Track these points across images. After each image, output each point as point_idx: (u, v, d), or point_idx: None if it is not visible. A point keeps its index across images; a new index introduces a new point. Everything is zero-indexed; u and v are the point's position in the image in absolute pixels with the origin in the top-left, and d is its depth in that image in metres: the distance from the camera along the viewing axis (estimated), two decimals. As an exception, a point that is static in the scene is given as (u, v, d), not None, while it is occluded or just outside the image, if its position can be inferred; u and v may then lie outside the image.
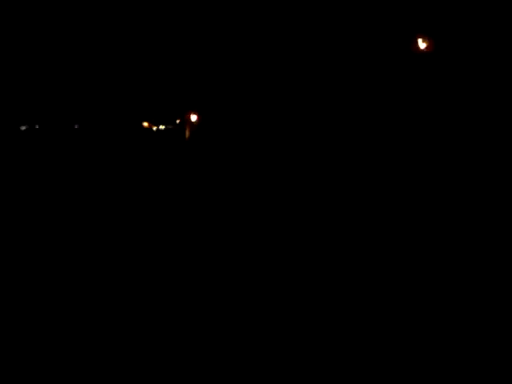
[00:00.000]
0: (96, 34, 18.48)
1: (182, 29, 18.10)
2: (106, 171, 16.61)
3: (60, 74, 19.02)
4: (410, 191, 11.45)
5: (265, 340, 5.10)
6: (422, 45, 14.85)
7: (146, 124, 20.20)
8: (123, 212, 11.76)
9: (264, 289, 6.56)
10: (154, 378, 4.50)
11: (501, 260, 7.12)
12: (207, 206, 11.96)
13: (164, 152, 18.73)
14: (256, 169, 15.24)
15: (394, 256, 7.57)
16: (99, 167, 17.09)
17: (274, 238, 9.17)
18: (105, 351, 4.91)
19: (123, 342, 5.10)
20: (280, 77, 17.42)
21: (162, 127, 20.09)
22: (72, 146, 19.33)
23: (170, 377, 4.52)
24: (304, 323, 5.48)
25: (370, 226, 9.28)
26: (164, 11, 17.92)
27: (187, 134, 19.29)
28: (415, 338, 5.04)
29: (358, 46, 15.87)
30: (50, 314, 5.76)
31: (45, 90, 19.13)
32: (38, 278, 7.26)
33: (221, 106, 18.38)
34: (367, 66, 15.79)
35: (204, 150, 17.92)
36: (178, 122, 19.75)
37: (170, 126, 19.97)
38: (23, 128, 19.72)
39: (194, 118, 19.21)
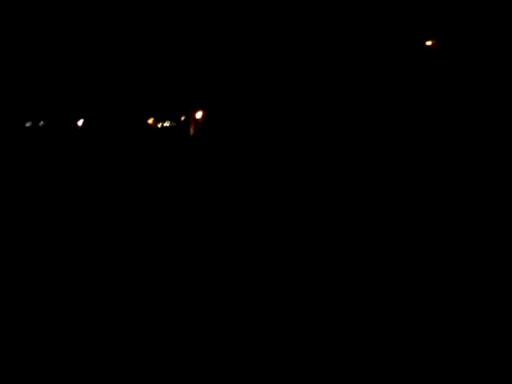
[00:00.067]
0: (101, 30, 18.48)
1: (188, 26, 18.08)
2: (110, 168, 16.62)
3: (65, 70, 19.03)
4: (412, 191, 11.43)
5: (265, 340, 5.08)
6: (424, 44, 14.85)
7: (150, 121, 20.19)
8: (127, 209, 11.76)
9: (264, 288, 6.55)
10: (154, 378, 4.48)
11: (501, 260, 7.10)
12: (211, 203, 11.95)
13: (168, 149, 18.73)
14: (260, 166, 15.22)
15: (394, 256, 7.54)
16: (103, 163, 17.10)
17: (276, 235, 9.16)
18: (104, 350, 4.89)
19: (123, 342, 5.08)
20: (285, 74, 17.40)
21: (166, 124, 20.09)
22: (77, 142, 19.35)
23: (170, 377, 4.50)
24: (304, 323, 5.46)
25: (371, 226, 9.26)
26: (170, 8, 17.91)
27: (192, 131, 19.28)
28: (415, 338, 5.02)
29: (362, 44, 15.86)
30: (50, 313, 5.75)
31: (50, 86, 19.14)
32: (39, 274, 7.25)
33: (225, 103, 18.37)
34: (370, 65, 15.78)
35: (208, 147, 17.91)
36: (182, 119, 19.74)
37: (174, 123, 19.96)
38: (28, 124, 19.74)
39: (198, 115, 19.19)
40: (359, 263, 7.26)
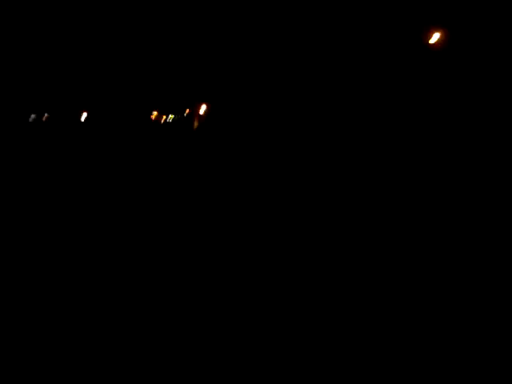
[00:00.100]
0: (106, 25, 18.44)
1: (192, 20, 18.04)
2: (113, 162, 16.63)
3: (68, 64, 19.01)
4: (413, 190, 11.40)
5: (264, 340, 5.06)
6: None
7: (154, 114, 20.17)
8: (130, 204, 11.77)
9: (265, 287, 6.52)
10: (154, 378, 4.46)
11: (501, 260, 7.06)
12: (215, 200, 11.94)
13: (172, 142, 18.72)
14: (265, 162, 15.20)
15: (394, 255, 7.52)
16: (107, 157, 17.11)
17: (278, 231, 9.15)
18: (104, 350, 4.87)
19: (123, 342, 5.06)
20: (290, 69, 17.35)
21: (170, 117, 20.06)
22: (80, 136, 19.35)
23: (170, 377, 4.49)
24: (304, 323, 5.44)
25: (371, 226, 9.24)
26: (174, 4, 17.87)
27: (195, 124, 19.24)
28: (415, 338, 5.00)
29: (364, 42, 15.81)
30: (50, 313, 5.73)
31: (53, 80, 19.13)
32: (40, 270, 7.25)
33: (230, 97, 18.33)
34: (372, 64, 15.74)
35: (212, 141, 17.89)
36: (186, 112, 19.71)
37: (178, 117, 19.93)
38: (32, 117, 19.73)
39: (203, 108, 19.15)
40: (359, 263, 7.23)
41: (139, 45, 18.74)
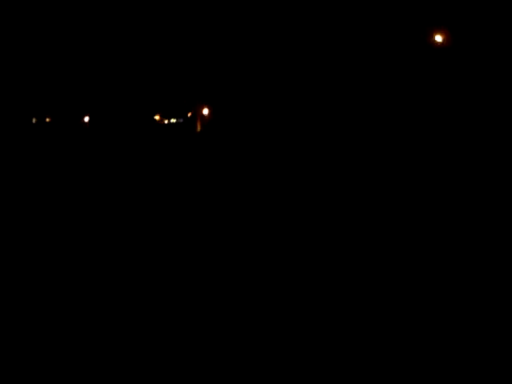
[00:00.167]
0: (110, 28, 18.51)
1: (195, 24, 18.10)
2: (116, 164, 16.67)
3: (72, 68, 19.08)
4: (412, 190, 11.42)
5: (264, 340, 5.10)
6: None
7: (157, 117, 20.24)
8: (135, 202, 11.81)
9: (265, 287, 6.56)
10: (154, 378, 4.50)
11: (501, 260, 7.09)
12: (217, 200, 11.97)
13: (175, 145, 18.76)
14: (266, 163, 15.24)
15: (394, 255, 7.55)
16: (110, 160, 17.15)
17: (279, 229, 9.19)
18: (104, 350, 4.92)
19: (123, 341, 5.10)
20: (292, 70, 17.39)
21: (173, 120, 20.13)
22: (84, 138, 19.41)
23: (170, 377, 4.53)
24: (303, 323, 5.48)
25: (371, 226, 9.27)
26: (177, 8, 17.93)
27: (198, 127, 19.31)
28: (414, 338, 5.03)
29: (366, 41, 15.85)
30: (50, 312, 5.77)
31: (58, 84, 19.20)
32: (42, 267, 7.29)
33: (232, 99, 18.38)
34: (374, 63, 15.77)
35: (215, 144, 17.93)
36: (189, 115, 19.78)
37: (181, 120, 20.01)
38: (35, 120, 19.83)
39: (205, 111, 19.23)
40: (359, 263, 7.27)
41: (142, 50, 18.81)
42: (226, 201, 11.74)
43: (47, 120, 19.93)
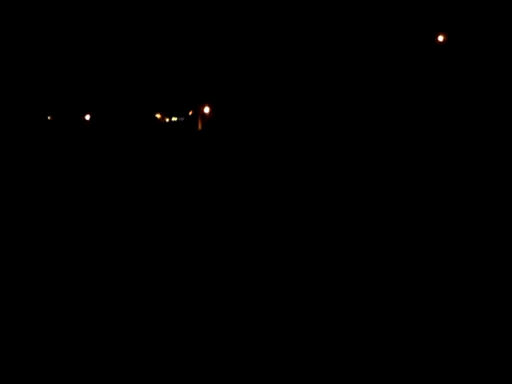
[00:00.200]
0: (112, 27, 18.51)
1: (197, 22, 18.09)
2: (118, 162, 16.67)
3: (74, 66, 19.08)
4: (413, 189, 11.42)
5: (264, 340, 5.12)
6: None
7: (158, 115, 20.23)
8: (136, 200, 11.81)
9: (265, 287, 6.58)
10: (154, 378, 4.53)
11: (501, 260, 7.10)
12: (218, 198, 11.98)
13: (176, 143, 18.75)
14: (267, 162, 15.23)
15: (394, 255, 7.56)
16: (112, 158, 17.14)
17: (279, 229, 9.20)
18: (104, 350, 4.94)
19: (123, 341, 5.13)
20: (294, 69, 17.38)
21: (174, 119, 20.13)
22: (86, 136, 19.40)
23: (170, 377, 4.55)
24: (303, 323, 5.50)
25: (371, 226, 9.27)
26: (179, 7, 17.92)
27: (199, 125, 19.31)
28: (414, 338, 5.05)
29: (368, 41, 15.84)
30: (50, 312, 5.79)
31: (60, 82, 19.21)
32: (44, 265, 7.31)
33: (233, 97, 18.38)
34: (374, 63, 15.76)
35: (216, 142, 17.92)
36: (190, 113, 19.77)
37: (182, 118, 20.00)
38: (38, 118, 19.83)
39: (206, 109, 19.22)
40: (359, 263, 7.28)
41: (144, 48, 18.81)
42: (227, 199, 11.75)
43: (49, 118, 19.94)
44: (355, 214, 10.06)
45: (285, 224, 9.61)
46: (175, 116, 20.10)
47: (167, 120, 20.18)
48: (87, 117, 19.99)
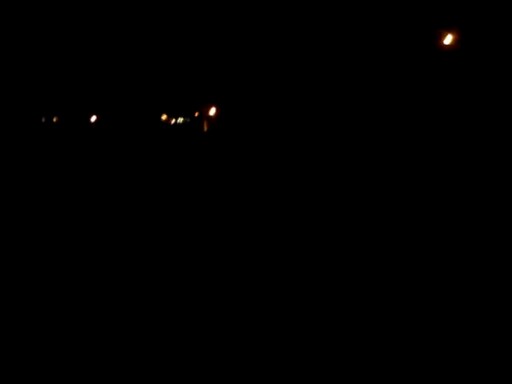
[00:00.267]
0: (117, 28, 18.54)
1: (204, 23, 18.10)
2: (123, 163, 16.70)
3: (79, 68, 19.12)
4: (413, 190, 11.40)
5: (264, 340, 5.09)
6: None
7: (164, 117, 20.24)
8: (140, 203, 11.83)
9: (265, 287, 6.56)
10: (154, 378, 4.50)
11: (501, 260, 7.07)
12: (223, 200, 11.98)
13: (182, 145, 18.78)
14: (273, 164, 15.23)
15: (394, 256, 7.53)
16: (117, 159, 17.18)
17: (283, 230, 9.19)
18: (104, 350, 4.92)
19: (123, 342, 5.11)
20: (298, 70, 17.37)
21: (180, 120, 20.13)
22: (90, 138, 19.45)
23: (170, 377, 4.52)
24: (303, 323, 5.47)
25: (371, 226, 9.26)
26: (184, 7, 17.94)
27: (205, 127, 19.31)
28: (414, 338, 5.02)
29: (369, 42, 15.82)
30: (50, 313, 5.78)
31: (63, 82, 19.24)
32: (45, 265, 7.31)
33: (239, 99, 18.37)
34: (375, 64, 15.73)
35: (222, 144, 17.93)
36: (196, 115, 19.77)
37: (187, 119, 19.99)
38: (43, 120, 19.87)
39: (212, 111, 19.21)
40: (359, 263, 7.25)
41: (149, 49, 18.83)
42: (233, 200, 11.75)
43: (54, 120, 19.97)
44: (359, 213, 10.06)
45: (291, 225, 9.61)
46: (181, 117, 20.10)
47: (173, 121, 20.18)
48: (93, 118, 20.01)
